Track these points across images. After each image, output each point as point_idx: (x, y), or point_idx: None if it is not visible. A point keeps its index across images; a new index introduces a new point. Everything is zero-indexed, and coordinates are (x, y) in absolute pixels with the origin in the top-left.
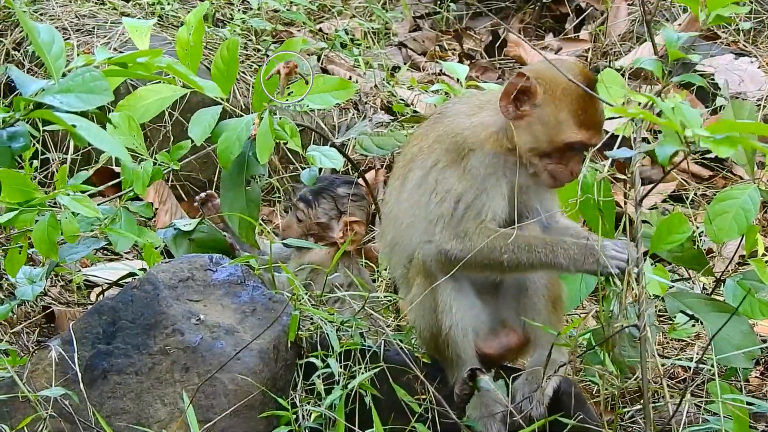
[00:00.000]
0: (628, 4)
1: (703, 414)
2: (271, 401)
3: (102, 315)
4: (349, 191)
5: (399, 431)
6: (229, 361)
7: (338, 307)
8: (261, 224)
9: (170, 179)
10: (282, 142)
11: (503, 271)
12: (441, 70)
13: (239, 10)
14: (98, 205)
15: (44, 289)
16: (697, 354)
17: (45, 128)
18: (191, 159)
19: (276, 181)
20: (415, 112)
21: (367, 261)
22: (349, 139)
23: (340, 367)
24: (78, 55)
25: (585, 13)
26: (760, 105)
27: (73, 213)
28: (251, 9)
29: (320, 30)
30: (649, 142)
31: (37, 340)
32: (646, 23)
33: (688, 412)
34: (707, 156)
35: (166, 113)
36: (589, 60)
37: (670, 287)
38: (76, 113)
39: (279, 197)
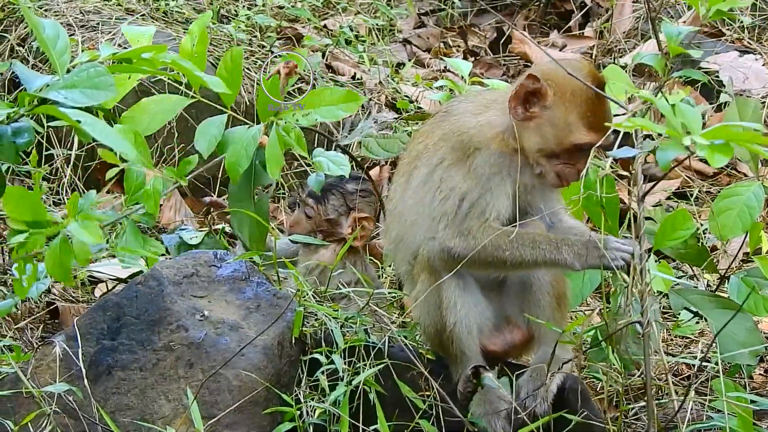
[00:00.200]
0: (633, 2)
1: (706, 411)
2: (275, 397)
3: (106, 311)
4: (358, 187)
5: (403, 428)
6: (234, 357)
7: (345, 305)
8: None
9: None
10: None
11: (507, 268)
12: (445, 67)
13: (244, 6)
14: (102, 209)
15: (48, 285)
16: (701, 351)
17: (50, 124)
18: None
19: (281, 177)
20: (419, 108)
21: (372, 258)
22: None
23: (345, 363)
24: (82, 51)
25: (590, 10)
26: (764, 102)
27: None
28: (256, 5)
29: (325, 26)
30: (652, 139)
31: (41, 336)
32: (651, 20)
33: (692, 409)
34: None
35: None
36: (593, 57)
37: (674, 284)
38: (80, 109)
39: (284, 193)
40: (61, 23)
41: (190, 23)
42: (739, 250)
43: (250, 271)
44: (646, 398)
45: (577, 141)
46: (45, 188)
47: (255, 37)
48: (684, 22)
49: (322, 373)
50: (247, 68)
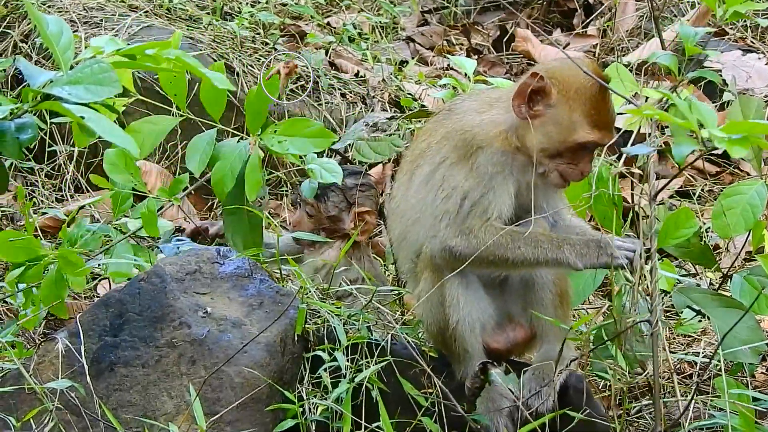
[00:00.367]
0: (636, 0)
1: (709, 409)
2: (278, 394)
3: (109, 307)
4: (357, 182)
5: (406, 425)
6: (236, 354)
7: (351, 303)
8: (268, 217)
9: (177, 173)
10: None
11: (509, 267)
12: (449, 65)
13: (247, 3)
14: (94, 223)
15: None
16: (704, 349)
17: (53, 120)
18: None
19: (283, 174)
20: (422, 106)
21: (375, 255)
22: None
23: (347, 360)
24: (86, 47)
25: (593, 8)
26: (767, 101)
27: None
28: (259, 2)
29: (328, 24)
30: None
31: (44, 332)
32: (654, 19)
33: (694, 407)
34: (715, 152)
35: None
36: (596, 55)
37: (677, 282)
38: (84, 105)
39: (286, 191)
40: (65, 19)
41: (193, 20)
42: (741, 249)
43: (252, 268)
44: (652, 397)
45: (580, 139)
46: (47, 185)
47: (258, 34)
48: (688, 21)
49: (325, 370)
50: (250, 65)
